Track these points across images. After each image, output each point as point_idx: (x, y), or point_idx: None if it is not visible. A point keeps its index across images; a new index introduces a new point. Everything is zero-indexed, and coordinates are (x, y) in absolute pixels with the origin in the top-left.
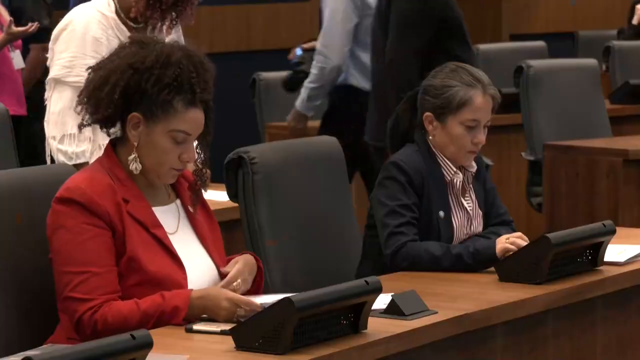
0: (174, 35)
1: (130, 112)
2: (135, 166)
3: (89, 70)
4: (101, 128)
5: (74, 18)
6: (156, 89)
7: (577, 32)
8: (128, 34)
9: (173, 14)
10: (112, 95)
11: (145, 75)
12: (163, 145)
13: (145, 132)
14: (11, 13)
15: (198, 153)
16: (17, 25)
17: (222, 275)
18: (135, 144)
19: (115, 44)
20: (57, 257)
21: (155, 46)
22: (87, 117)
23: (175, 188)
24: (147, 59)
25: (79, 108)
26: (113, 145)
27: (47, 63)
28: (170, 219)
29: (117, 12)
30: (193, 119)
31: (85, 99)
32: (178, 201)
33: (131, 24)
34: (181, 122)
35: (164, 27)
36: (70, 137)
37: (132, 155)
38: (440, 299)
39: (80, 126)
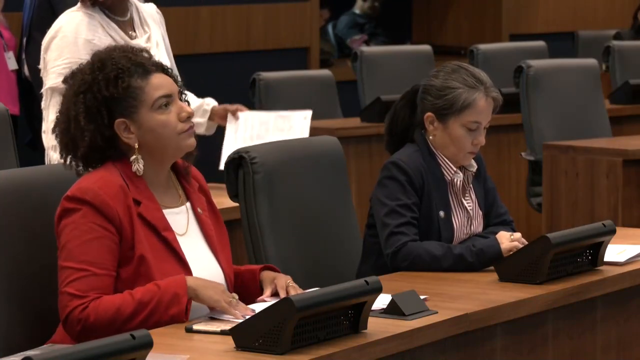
0: (158, 37)
1: (112, 124)
2: (137, 167)
3: (56, 130)
4: (113, 151)
5: (63, 24)
6: (111, 86)
7: (577, 32)
8: (118, 29)
9: None
10: (96, 116)
11: (95, 87)
12: (158, 120)
13: (137, 127)
14: None
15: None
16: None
17: (227, 280)
18: (136, 145)
19: (106, 42)
20: (61, 251)
21: (81, 68)
22: (92, 159)
23: (186, 190)
24: (84, 76)
25: (80, 166)
26: None
27: (40, 73)
28: (180, 221)
29: (100, 10)
30: (160, 82)
31: (81, 147)
32: (188, 204)
33: (117, 17)
34: (154, 91)
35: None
36: None
37: (134, 157)
38: (440, 299)
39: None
